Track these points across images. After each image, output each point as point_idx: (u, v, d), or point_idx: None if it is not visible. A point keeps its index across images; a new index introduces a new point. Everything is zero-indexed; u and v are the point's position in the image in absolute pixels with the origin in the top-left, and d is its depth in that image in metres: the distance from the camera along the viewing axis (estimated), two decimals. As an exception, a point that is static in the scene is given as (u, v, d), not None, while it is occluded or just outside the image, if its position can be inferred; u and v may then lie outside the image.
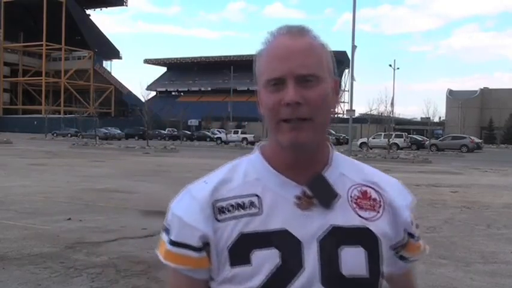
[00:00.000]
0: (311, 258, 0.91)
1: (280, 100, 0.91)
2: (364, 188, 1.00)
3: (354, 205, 0.97)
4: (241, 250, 0.91)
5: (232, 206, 0.94)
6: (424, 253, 1.15)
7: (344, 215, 0.95)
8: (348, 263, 0.92)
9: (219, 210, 0.94)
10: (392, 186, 1.04)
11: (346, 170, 1.01)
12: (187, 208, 0.96)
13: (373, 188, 1.00)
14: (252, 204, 0.94)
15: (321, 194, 0.94)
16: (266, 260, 0.90)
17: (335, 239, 0.93)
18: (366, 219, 0.96)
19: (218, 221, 0.93)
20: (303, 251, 0.91)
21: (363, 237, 0.95)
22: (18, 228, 6.88)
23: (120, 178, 14.05)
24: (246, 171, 1.00)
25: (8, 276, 4.69)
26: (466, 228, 7.66)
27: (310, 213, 0.93)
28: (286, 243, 0.91)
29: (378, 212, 0.98)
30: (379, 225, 0.97)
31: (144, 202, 9.60)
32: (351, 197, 0.98)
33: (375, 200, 0.99)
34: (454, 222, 8.17)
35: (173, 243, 0.96)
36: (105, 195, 10.40)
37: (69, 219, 7.56)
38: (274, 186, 0.96)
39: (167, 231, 0.98)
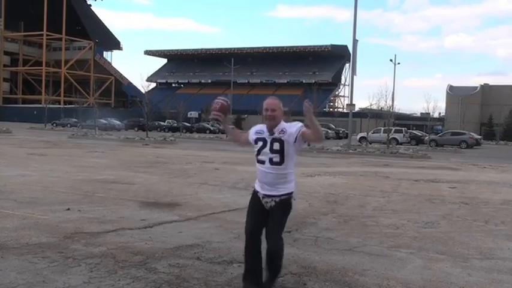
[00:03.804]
0: (268, 144, 4.06)
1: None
2: (281, 129, 4.05)
3: (278, 133, 4.04)
4: (255, 142, 4.16)
5: (256, 131, 4.19)
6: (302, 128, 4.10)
7: (276, 135, 4.06)
8: (274, 146, 4.02)
9: (255, 132, 4.20)
10: (291, 126, 4.06)
11: (279, 127, 4.07)
12: (251, 131, 4.28)
13: (283, 128, 4.05)
14: (260, 131, 4.16)
15: (272, 133, 4.09)
16: (259, 143, 4.11)
17: (273, 140, 4.05)
18: (280, 136, 4.03)
19: (255, 134, 4.20)
20: (267, 142, 4.07)
21: (279, 140, 4.02)
22: (17, 217, 6.89)
23: (119, 169, 14.06)
24: (261, 127, 4.21)
25: (6, 265, 4.70)
26: (464, 224, 7.68)
27: (271, 135, 4.09)
28: (264, 140, 4.09)
29: (284, 134, 4.01)
30: (283, 137, 4.02)
31: (143, 193, 9.61)
32: (278, 131, 4.05)
33: (283, 131, 4.03)
34: (452, 218, 8.18)
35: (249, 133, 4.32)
36: (104, 185, 10.41)
37: (68, 209, 7.56)
38: (265, 129, 4.14)
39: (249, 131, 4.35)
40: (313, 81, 78.81)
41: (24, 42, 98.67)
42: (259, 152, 4.10)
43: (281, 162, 4.01)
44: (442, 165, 20.65)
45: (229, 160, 18.80)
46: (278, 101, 4.12)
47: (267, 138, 4.07)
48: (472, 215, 8.49)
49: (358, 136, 45.43)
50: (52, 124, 56.21)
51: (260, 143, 4.10)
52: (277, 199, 4.04)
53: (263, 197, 4.08)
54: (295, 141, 4.01)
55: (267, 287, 4.18)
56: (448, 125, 67.15)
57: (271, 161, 4.02)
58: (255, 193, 4.19)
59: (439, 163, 22.13)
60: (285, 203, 4.07)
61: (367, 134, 43.99)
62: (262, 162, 4.08)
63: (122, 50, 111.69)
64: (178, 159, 18.44)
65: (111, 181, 11.18)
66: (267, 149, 4.06)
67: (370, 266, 5.16)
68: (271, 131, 4.07)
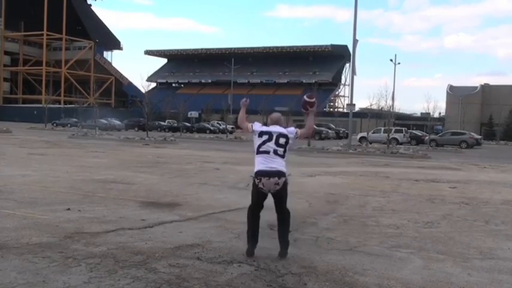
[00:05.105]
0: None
1: None
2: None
3: (283, 129, 5.50)
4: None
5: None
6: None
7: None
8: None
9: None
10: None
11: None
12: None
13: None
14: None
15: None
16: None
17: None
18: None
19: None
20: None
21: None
22: (17, 217, 6.89)
23: (120, 169, 14.06)
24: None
25: (6, 265, 4.70)
26: (464, 224, 7.68)
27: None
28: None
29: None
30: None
31: (143, 193, 9.61)
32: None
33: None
34: (453, 217, 8.18)
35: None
36: (104, 185, 10.41)
37: (68, 209, 7.57)
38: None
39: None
40: (313, 81, 78.80)
41: (24, 42, 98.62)
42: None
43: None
44: (442, 165, 20.64)
45: (229, 160, 18.80)
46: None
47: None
48: (472, 215, 8.49)
49: (358, 136, 45.39)
50: (52, 124, 56.15)
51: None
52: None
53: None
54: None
55: (284, 254, 5.23)
56: (448, 125, 67.13)
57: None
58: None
59: (439, 163, 22.12)
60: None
61: (367, 134, 43.93)
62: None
63: (122, 50, 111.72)
64: (178, 159, 18.44)
65: (111, 181, 11.19)
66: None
67: (370, 266, 5.17)
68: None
